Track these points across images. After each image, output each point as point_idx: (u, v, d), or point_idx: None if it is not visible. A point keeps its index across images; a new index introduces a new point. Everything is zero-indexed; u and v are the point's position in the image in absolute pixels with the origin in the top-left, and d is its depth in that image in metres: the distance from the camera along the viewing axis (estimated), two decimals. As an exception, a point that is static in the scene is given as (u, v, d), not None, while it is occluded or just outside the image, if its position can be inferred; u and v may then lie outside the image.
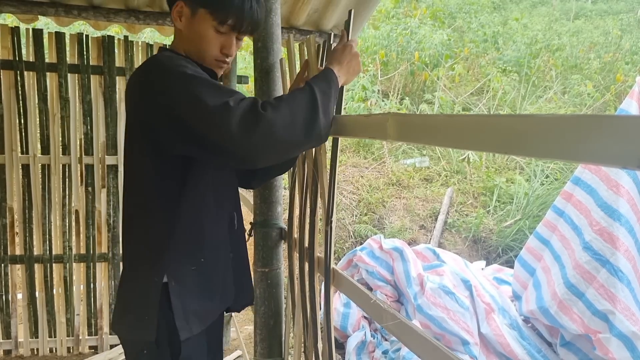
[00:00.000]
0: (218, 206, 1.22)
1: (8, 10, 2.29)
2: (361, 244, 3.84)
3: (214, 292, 1.23)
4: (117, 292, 1.21)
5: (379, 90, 6.65)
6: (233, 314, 2.77)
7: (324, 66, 1.15)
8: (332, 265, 1.53)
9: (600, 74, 7.79)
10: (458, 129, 0.76)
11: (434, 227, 4.84)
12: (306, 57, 1.54)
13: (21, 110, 2.52)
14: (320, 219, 1.63)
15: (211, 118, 0.94)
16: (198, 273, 1.17)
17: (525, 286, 2.96)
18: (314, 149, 1.59)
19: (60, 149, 2.58)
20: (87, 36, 2.54)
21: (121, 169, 2.67)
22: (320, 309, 1.71)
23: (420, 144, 0.90)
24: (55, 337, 2.70)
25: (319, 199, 1.52)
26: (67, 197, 2.63)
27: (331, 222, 1.48)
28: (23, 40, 2.48)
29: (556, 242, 2.76)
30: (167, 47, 1.21)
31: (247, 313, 3.30)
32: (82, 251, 2.68)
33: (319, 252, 1.64)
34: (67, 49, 2.52)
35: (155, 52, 2.61)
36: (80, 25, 5.69)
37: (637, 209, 2.50)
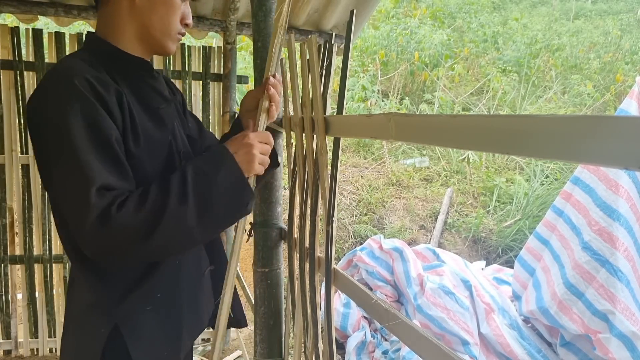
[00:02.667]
0: None
1: (8, 10, 2.29)
2: (361, 244, 3.84)
3: (182, 325, 1.05)
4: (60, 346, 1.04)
5: (378, 90, 6.65)
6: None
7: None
8: (333, 265, 1.53)
9: (600, 74, 7.79)
10: (460, 129, 0.76)
11: (434, 227, 4.84)
12: (307, 57, 1.54)
13: (21, 110, 2.51)
14: (321, 218, 1.63)
15: (71, 201, 0.82)
16: (156, 311, 0.99)
17: (525, 286, 2.96)
18: (314, 150, 1.59)
19: (60, 149, 2.58)
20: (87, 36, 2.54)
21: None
22: (320, 309, 1.71)
23: (423, 144, 0.90)
24: (55, 337, 2.70)
25: (319, 199, 1.52)
26: (67, 197, 2.62)
27: (332, 222, 1.48)
28: (23, 40, 2.47)
29: (555, 242, 2.76)
30: (93, 33, 1.03)
31: (247, 313, 3.30)
32: (82, 251, 2.67)
33: (320, 252, 1.64)
34: (67, 49, 2.52)
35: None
36: (80, 25, 5.69)
37: (637, 209, 2.50)
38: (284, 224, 1.94)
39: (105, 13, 0.99)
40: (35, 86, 0.99)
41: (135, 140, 0.92)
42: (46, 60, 2.50)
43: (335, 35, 1.71)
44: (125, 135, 0.90)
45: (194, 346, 1.10)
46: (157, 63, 2.65)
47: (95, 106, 0.85)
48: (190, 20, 1.05)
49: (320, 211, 1.62)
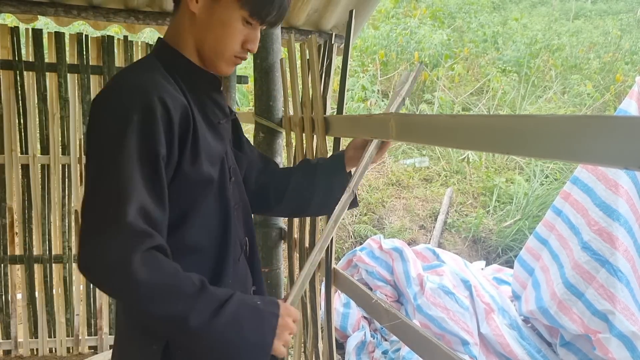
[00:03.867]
0: (228, 238, 0.99)
1: (7, 10, 2.29)
2: (361, 244, 3.84)
3: None
4: None
5: (378, 90, 6.65)
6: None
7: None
8: (333, 265, 1.53)
9: (599, 74, 7.79)
10: (460, 129, 0.76)
11: (434, 227, 4.84)
12: (307, 57, 1.54)
13: (21, 110, 2.51)
14: (321, 218, 1.63)
15: (96, 219, 0.79)
16: None
17: (524, 286, 2.96)
18: (314, 150, 1.59)
19: (60, 149, 2.58)
20: (86, 36, 2.54)
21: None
22: (320, 308, 1.71)
23: (422, 144, 0.90)
24: (54, 337, 2.70)
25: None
26: (66, 197, 2.62)
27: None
28: (22, 40, 2.47)
29: (554, 242, 2.76)
30: (162, 39, 0.99)
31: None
32: (82, 251, 2.67)
33: (319, 252, 1.64)
34: (67, 49, 2.52)
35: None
36: (80, 25, 5.69)
37: (636, 209, 2.50)
38: (283, 224, 1.94)
39: (174, 20, 0.97)
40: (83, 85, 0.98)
41: (192, 157, 0.89)
42: (46, 60, 2.50)
43: (335, 35, 1.71)
44: (183, 153, 0.87)
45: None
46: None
47: (160, 128, 0.82)
48: (253, 46, 0.96)
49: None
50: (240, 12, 0.90)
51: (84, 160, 2.61)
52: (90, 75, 2.56)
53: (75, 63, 2.54)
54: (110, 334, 2.76)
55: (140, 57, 2.76)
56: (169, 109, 0.83)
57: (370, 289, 3.05)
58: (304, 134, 1.64)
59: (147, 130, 0.80)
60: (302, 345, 1.82)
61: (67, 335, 2.71)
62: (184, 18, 0.94)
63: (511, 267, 3.41)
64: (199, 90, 0.97)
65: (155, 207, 0.81)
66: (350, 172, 1.21)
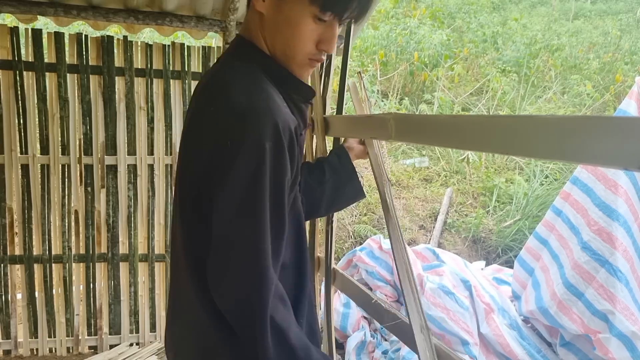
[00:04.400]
0: (304, 249, 0.96)
1: (7, 10, 2.29)
2: (361, 244, 3.84)
3: None
4: None
5: (378, 91, 6.65)
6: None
7: None
8: (333, 265, 1.53)
9: (599, 74, 7.79)
10: (460, 129, 0.76)
11: (434, 227, 4.84)
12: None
13: (20, 110, 2.51)
14: (321, 218, 1.63)
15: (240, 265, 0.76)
16: None
17: (524, 286, 2.96)
18: (314, 150, 1.59)
19: (60, 149, 2.58)
20: (86, 36, 2.54)
21: (121, 169, 2.67)
22: (320, 309, 1.71)
23: (422, 144, 0.90)
24: (54, 337, 2.70)
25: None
26: (66, 197, 2.62)
27: (332, 222, 1.48)
28: (22, 40, 2.47)
29: (554, 242, 2.76)
30: (243, 37, 0.90)
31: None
32: (82, 251, 2.67)
33: (319, 252, 1.64)
34: (67, 49, 2.52)
35: (154, 53, 2.63)
36: (80, 25, 5.69)
37: (635, 209, 2.50)
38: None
39: (247, 20, 0.89)
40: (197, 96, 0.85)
41: (295, 174, 0.85)
42: (45, 60, 2.50)
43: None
44: (293, 173, 0.84)
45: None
46: (157, 63, 2.66)
47: (287, 159, 0.77)
48: (329, 46, 0.84)
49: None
50: (310, 9, 0.79)
51: (83, 160, 2.61)
52: (90, 75, 2.56)
53: (75, 63, 2.54)
54: (110, 334, 2.76)
55: (139, 57, 2.76)
56: (291, 134, 0.78)
57: (370, 289, 3.05)
58: (303, 134, 1.64)
59: (278, 164, 0.75)
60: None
61: (67, 335, 2.71)
62: (254, 17, 0.86)
63: (511, 267, 3.40)
64: (293, 101, 0.90)
65: (280, 248, 0.80)
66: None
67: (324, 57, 0.88)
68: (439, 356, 0.96)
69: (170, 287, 0.95)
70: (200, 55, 2.72)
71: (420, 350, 0.95)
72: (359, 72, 1.37)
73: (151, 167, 2.71)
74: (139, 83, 2.65)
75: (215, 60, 0.99)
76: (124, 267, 2.73)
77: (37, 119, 2.56)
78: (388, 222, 1.09)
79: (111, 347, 2.76)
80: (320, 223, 1.63)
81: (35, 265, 2.62)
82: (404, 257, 1.02)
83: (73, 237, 2.66)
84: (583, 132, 0.54)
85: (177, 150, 1.01)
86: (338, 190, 1.17)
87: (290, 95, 0.89)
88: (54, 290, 2.68)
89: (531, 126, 0.61)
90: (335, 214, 1.48)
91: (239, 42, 0.90)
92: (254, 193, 0.74)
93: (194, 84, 2.73)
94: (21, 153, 2.54)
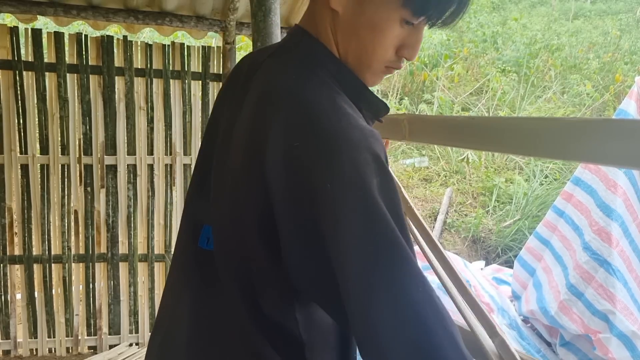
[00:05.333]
0: None
1: (7, 10, 2.29)
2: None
3: None
4: None
5: (378, 90, 6.65)
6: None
7: None
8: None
9: (599, 74, 7.79)
10: (475, 130, 0.76)
11: (433, 227, 4.84)
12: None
13: (20, 110, 2.51)
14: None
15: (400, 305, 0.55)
16: None
17: (524, 286, 2.96)
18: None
19: (59, 149, 2.58)
20: (86, 36, 2.53)
21: (120, 169, 2.67)
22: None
23: (436, 144, 0.90)
24: (54, 337, 2.69)
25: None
26: (66, 197, 2.62)
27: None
28: (22, 40, 2.47)
29: (557, 243, 2.76)
30: (308, 33, 0.75)
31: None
32: (81, 251, 2.67)
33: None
34: (66, 48, 2.52)
35: (154, 53, 2.63)
36: (79, 25, 5.68)
37: (633, 209, 2.51)
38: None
39: (312, 13, 0.76)
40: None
41: None
42: (45, 60, 2.50)
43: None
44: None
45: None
46: (157, 63, 2.65)
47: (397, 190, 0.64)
48: (413, 53, 0.72)
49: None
50: (399, 12, 0.67)
51: (83, 160, 2.61)
52: (90, 75, 2.56)
53: (75, 63, 2.54)
54: (109, 334, 2.76)
55: (139, 57, 2.76)
56: (386, 156, 0.66)
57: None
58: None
59: (388, 192, 0.61)
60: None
61: (67, 336, 2.71)
62: (324, 13, 0.72)
63: (511, 267, 3.41)
64: (363, 115, 0.74)
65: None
66: None
67: (403, 64, 0.75)
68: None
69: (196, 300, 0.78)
70: (200, 55, 2.71)
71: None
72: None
73: (151, 167, 2.71)
74: (139, 83, 2.64)
75: (265, 50, 0.81)
76: (123, 267, 2.73)
77: (36, 119, 2.56)
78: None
79: (111, 347, 2.76)
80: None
81: (35, 266, 2.62)
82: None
83: (73, 237, 2.66)
84: (592, 132, 0.54)
85: (198, 151, 0.85)
86: None
87: (361, 110, 0.74)
88: (53, 291, 2.68)
89: (550, 128, 0.62)
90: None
91: (305, 40, 0.75)
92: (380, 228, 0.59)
93: (193, 83, 2.73)
94: (21, 153, 2.54)
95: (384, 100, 0.76)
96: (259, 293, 0.69)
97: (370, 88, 0.75)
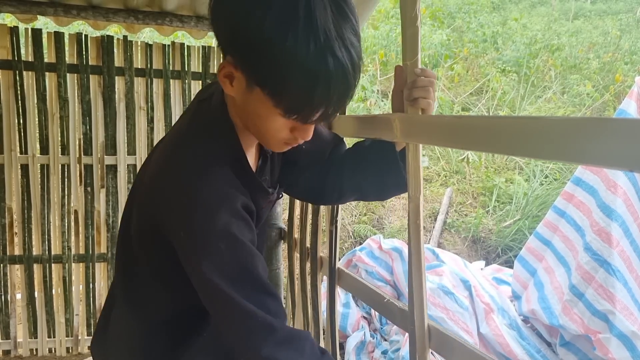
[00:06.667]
0: None
1: (7, 10, 2.29)
2: (360, 244, 3.83)
3: None
4: None
5: (378, 90, 6.65)
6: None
7: None
8: (337, 265, 1.53)
9: (599, 74, 7.78)
10: (466, 129, 0.76)
11: (433, 227, 4.84)
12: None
13: (20, 110, 2.51)
14: (323, 216, 1.63)
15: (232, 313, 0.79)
16: None
17: (525, 286, 2.96)
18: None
19: (59, 149, 2.58)
20: (86, 36, 2.53)
21: (120, 168, 2.67)
22: (322, 309, 1.70)
23: (427, 144, 0.90)
24: (54, 337, 2.69)
25: (319, 200, 1.51)
26: (66, 197, 2.62)
27: (336, 221, 1.47)
28: (22, 40, 2.47)
29: (559, 243, 2.76)
30: (223, 100, 0.86)
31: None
32: (81, 251, 2.67)
33: (321, 251, 1.64)
34: (66, 48, 2.52)
35: (154, 52, 2.62)
36: (80, 25, 5.68)
37: (634, 209, 2.50)
38: (283, 224, 1.94)
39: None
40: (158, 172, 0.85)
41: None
42: (45, 60, 2.49)
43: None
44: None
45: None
46: (157, 63, 2.65)
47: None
48: (305, 136, 0.81)
49: (323, 211, 1.61)
50: (276, 110, 0.74)
51: (83, 160, 2.61)
52: (90, 75, 2.56)
53: (75, 63, 2.54)
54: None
55: (139, 57, 2.75)
56: (244, 215, 0.82)
57: (370, 289, 3.04)
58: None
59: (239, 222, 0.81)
60: (302, 345, 1.81)
61: (67, 336, 2.71)
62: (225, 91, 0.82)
63: (511, 267, 3.40)
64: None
65: None
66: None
67: (301, 141, 0.83)
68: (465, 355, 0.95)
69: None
70: (200, 55, 2.71)
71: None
72: None
73: (151, 167, 2.70)
74: (139, 83, 2.64)
75: (206, 89, 0.96)
76: (123, 267, 2.72)
77: (36, 119, 2.56)
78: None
79: (111, 347, 2.75)
80: (324, 223, 1.63)
81: (35, 265, 2.62)
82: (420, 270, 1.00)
83: (73, 237, 2.66)
84: (590, 133, 0.54)
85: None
86: (380, 181, 1.05)
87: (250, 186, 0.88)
88: (53, 291, 2.68)
89: (536, 127, 0.61)
90: (339, 213, 1.48)
91: (217, 108, 0.85)
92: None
93: (194, 83, 2.73)
94: (21, 153, 2.54)
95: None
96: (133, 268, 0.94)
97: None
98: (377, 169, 1.03)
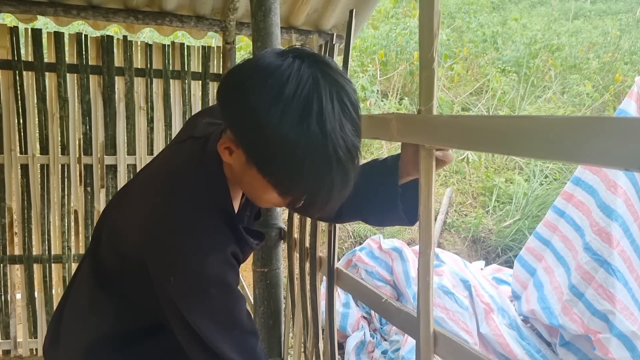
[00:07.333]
0: None
1: (7, 10, 2.29)
2: (360, 244, 3.83)
3: None
4: None
5: (378, 90, 6.65)
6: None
7: None
8: (336, 265, 1.53)
9: (599, 74, 7.79)
10: (463, 129, 0.76)
11: (433, 227, 4.84)
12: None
13: (20, 110, 2.51)
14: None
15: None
16: None
17: (525, 286, 2.96)
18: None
19: (59, 149, 2.58)
20: (86, 36, 2.53)
21: (120, 168, 2.67)
22: (321, 309, 1.70)
23: (424, 144, 0.89)
24: (54, 337, 2.69)
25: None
26: (66, 197, 2.62)
27: (333, 222, 1.47)
28: (22, 40, 2.47)
29: (558, 243, 2.76)
30: (205, 145, 0.88)
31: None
32: (81, 251, 2.67)
33: (321, 251, 1.64)
34: (66, 48, 2.52)
35: (154, 53, 2.62)
36: (79, 25, 5.68)
37: (634, 209, 2.50)
38: (283, 224, 1.94)
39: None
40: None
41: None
42: (45, 60, 2.49)
43: (335, 35, 1.71)
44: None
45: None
46: (157, 63, 2.65)
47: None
48: (294, 205, 0.84)
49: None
50: (273, 190, 0.77)
51: (83, 160, 2.61)
52: (90, 75, 2.56)
53: (75, 63, 2.54)
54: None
55: (139, 57, 2.75)
56: (232, 262, 0.86)
57: (370, 289, 3.04)
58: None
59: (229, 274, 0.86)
60: (302, 345, 1.81)
61: (67, 336, 2.71)
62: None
63: (511, 267, 3.41)
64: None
65: None
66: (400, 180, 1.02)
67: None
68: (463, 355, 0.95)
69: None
70: (200, 55, 2.71)
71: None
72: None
73: (151, 167, 2.70)
74: (139, 83, 2.64)
75: (188, 150, 0.93)
76: (123, 267, 2.73)
77: (36, 119, 2.56)
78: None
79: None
80: (323, 223, 1.63)
81: (35, 265, 2.62)
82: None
83: (72, 237, 2.66)
84: (588, 132, 0.54)
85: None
86: (378, 204, 1.02)
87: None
88: (53, 290, 2.68)
89: (534, 127, 0.61)
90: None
91: (210, 152, 0.86)
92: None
93: (193, 83, 2.73)
94: (21, 153, 2.54)
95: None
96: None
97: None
98: (375, 199, 1.02)
